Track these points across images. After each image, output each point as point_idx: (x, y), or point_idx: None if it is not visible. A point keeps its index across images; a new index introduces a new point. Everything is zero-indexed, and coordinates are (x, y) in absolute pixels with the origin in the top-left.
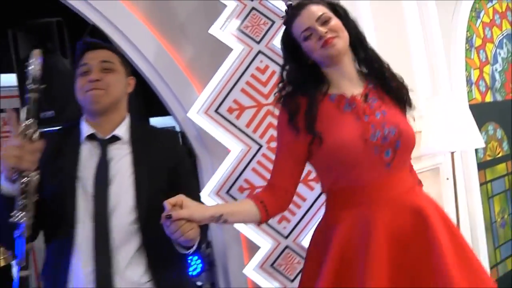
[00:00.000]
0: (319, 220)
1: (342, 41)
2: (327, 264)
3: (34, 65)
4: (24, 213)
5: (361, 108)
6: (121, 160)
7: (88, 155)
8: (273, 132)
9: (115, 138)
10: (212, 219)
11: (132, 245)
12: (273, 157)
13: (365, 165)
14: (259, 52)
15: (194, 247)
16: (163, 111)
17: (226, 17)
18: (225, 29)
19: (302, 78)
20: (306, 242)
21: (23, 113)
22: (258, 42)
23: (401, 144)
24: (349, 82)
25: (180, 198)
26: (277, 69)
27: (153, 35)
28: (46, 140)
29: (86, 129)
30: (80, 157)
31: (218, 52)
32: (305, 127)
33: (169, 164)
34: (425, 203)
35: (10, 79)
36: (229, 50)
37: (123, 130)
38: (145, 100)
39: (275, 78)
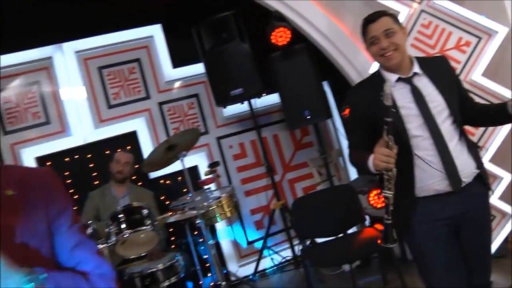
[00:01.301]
0: None
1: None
2: None
3: (387, 99)
4: (391, 192)
5: None
6: (426, 87)
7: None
8: None
9: (415, 74)
10: None
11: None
12: None
13: None
14: (422, 11)
15: None
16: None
17: None
18: None
19: None
20: None
21: (385, 132)
22: (420, 3)
23: None
24: None
25: None
26: (440, 23)
27: (322, 11)
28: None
29: (392, 76)
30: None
31: None
32: None
33: (452, 79)
34: None
35: (198, 68)
36: None
37: (416, 67)
38: (320, 66)
39: (439, 31)
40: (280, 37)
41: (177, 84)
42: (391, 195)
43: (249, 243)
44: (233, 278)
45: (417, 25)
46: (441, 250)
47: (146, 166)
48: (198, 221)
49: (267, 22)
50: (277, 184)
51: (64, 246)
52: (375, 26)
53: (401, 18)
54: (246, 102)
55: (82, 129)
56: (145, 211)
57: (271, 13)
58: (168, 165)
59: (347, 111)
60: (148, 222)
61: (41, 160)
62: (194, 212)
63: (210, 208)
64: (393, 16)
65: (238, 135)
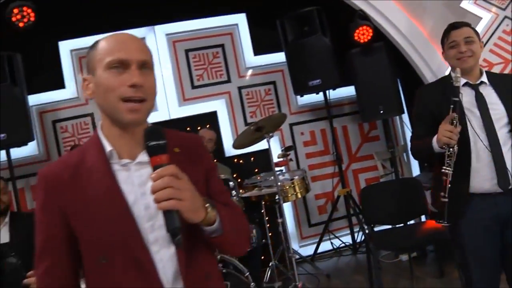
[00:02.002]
0: None
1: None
2: None
3: (456, 81)
4: (450, 169)
5: None
6: (489, 95)
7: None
8: None
9: (481, 82)
10: None
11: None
12: None
13: None
14: (505, 17)
15: None
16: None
17: None
18: (471, 1)
19: None
20: None
21: (451, 110)
22: (504, 9)
23: None
24: None
25: None
26: None
27: (403, 12)
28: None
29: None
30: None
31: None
32: None
33: None
34: None
35: (277, 57)
36: (461, 18)
37: (484, 77)
38: (396, 64)
39: None
40: (363, 34)
41: (256, 71)
42: (450, 172)
43: (311, 225)
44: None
45: (499, 31)
46: (483, 246)
47: (236, 143)
48: (276, 197)
49: (349, 19)
50: (343, 172)
51: (214, 191)
52: (457, 33)
53: (483, 24)
54: (321, 93)
55: (168, 105)
56: (231, 183)
57: (354, 11)
58: (253, 144)
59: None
60: (234, 193)
61: None
62: (273, 189)
63: (284, 188)
64: (475, 30)
65: (309, 123)
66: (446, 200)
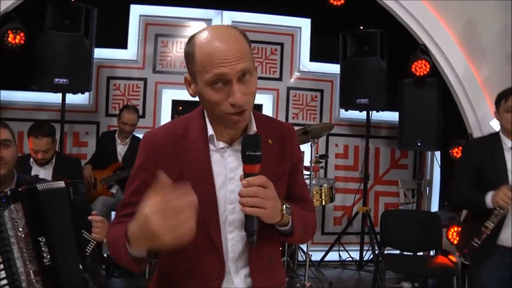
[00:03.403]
0: None
1: None
2: None
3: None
4: (493, 225)
5: None
6: None
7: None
8: None
9: None
10: None
11: None
12: None
13: None
14: None
15: None
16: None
17: None
18: None
19: None
20: None
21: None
22: None
23: None
24: None
25: None
26: None
27: (463, 55)
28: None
29: (508, 142)
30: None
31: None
32: None
33: None
34: None
35: (331, 68)
36: None
37: None
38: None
39: None
40: (420, 67)
41: (308, 76)
42: (492, 228)
43: (324, 233)
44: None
45: None
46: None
47: None
48: None
49: (410, 48)
50: (366, 191)
51: (296, 183)
52: None
53: None
54: (364, 111)
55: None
56: None
57: (417, 43)
58: None
59: (456, 153)
60: None
61: (175, 103)
62: None
63: (312, 192)
64: None
65: (346, 137)
66: (477, 245)
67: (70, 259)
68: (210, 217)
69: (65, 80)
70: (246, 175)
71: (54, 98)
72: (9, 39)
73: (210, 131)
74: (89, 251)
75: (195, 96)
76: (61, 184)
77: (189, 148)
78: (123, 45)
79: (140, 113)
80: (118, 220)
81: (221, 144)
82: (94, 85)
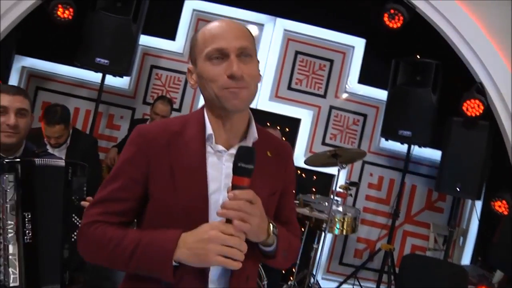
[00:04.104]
0: None
1: None
2: None
3: None
4: None
5: None
6: None
7: None
8: None
9: None
10: None
11: None
12: None
13: None
14: None
15: None
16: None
17: None
18: None
19: None
20: None
21: None
22: None
23: None
24: None
25: None
26: None
27: None
28: None
29: None
30: None
31: None
32: None
33: None
34: None
35: (378, 93)
36: None
37: None
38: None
39: None
40: (472, 107)
41: (353, 98)
42: None
43: (341, 263)
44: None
45: None
46: None
47: (309, 160)
48: (324, 225)
49: (464, 84)
50: (394, 228)
51: (286, 204)
52: None
53: None
54: (406, 144)
55: (258, 95)
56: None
57: (473, 81)
58: (323, 167)
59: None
60: None
61: None
62: (323, 215)
63: (334, 219)
64: None
65: (382, 168)
66: None
67: (53, 241)
68: (198, 224)
69: (106, 61)
70: (234, 186)
71: (95, 77)
72: (59, 12)
73: (209, 130)
74: (74, 237)
75: (195, 87)
76: (61, 162)
77: (184, 146)
78: (171, 36)
79: (177, 107)
80: (101, 218)
81: (219, 147)
82: (137, 71)
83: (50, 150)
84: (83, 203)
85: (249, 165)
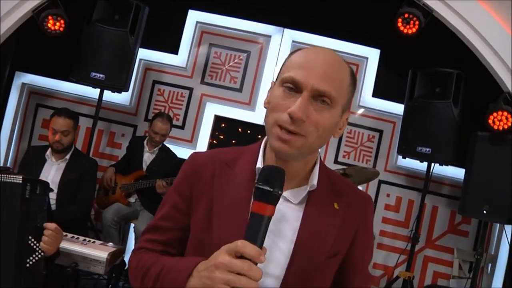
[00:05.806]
0: None
1: None
2: None
3: None
4: None
5: None
6: None
7: None
8: None
9: None
10: None
11: None
12: None
13: None
14: None
15: None
16: None
17: None
18: None
19: None
20: None
21: None
22: None
23: None
24: None
25: None
26: None
27: None
28: None
29: None
30: None
31: None
32: None
33: None
34: None
35: (395, 107)
36: None
37: None
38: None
39: None
40: (499, 120)
41: (368, 113)
42: None
43: None
44: None
45: None
46: None
47: None
48: None
49: (491, 96)
50: (413, 254)
51: (355, 269)
52: None
53: None
54: (425, 162)
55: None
56: None
57: (500, 91)
58: None
59: None
60: None
61: (218, 118)
62: None
63: None
64: None
65: (400, 188)
66: None
67: (4, 266)
68: None
69: (102, 76)
70: (252, 215)
71: (96, 93)
72: (49, 24)
73: (260, 163)
74: (30, 263)
75: (266, 107)
76: (18, 179)
77: (232, 180)
78: (174, 50)
79: (180, 124)
80: (147, 245)
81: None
82: (139, 87)
83: (50, 163)
84: (45, 224)
85: (275, 189)
